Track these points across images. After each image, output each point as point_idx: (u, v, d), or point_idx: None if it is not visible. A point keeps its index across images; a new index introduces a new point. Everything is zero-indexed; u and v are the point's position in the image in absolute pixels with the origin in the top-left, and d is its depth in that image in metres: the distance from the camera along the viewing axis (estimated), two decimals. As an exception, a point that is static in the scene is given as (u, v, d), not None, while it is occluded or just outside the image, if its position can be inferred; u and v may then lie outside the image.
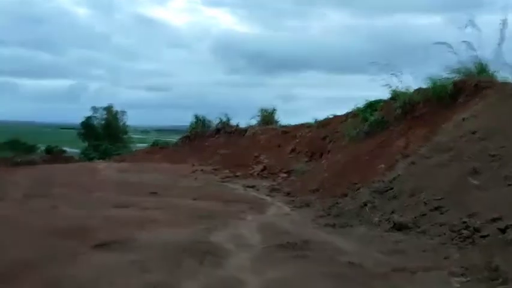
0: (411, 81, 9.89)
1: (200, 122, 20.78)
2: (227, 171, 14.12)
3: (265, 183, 11.22)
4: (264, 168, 13.00)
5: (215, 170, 14.70)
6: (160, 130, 77.13)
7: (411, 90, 9.90)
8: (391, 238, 5.54)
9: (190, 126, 21.12)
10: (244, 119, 20.31)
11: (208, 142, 19.24)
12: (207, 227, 6.08)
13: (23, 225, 5.88)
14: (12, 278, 3.76)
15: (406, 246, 5.23)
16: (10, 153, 25.21)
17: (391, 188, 6.89)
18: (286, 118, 20.46)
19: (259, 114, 19.81)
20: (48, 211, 7.04)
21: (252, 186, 10.70)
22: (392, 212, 6.25)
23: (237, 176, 12.78)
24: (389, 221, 6.03)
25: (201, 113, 21.50)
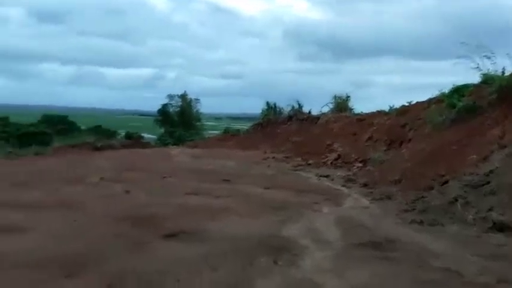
0: (508, 64, 8.74)
1: (272, 109, 20.43)
2: (299, 159, 13.64)
3: (340, 172, 10.58)
4: (338, 157, 12.34)
5: (287, 157, 14.27)
6: (232, 117, 77.99)
7: (507, 73, 8.78)
8: (491, 240, 4.80)
9: (262, 113, 20.84)
10: (316, 106, 19.69)
11: (280, 129, 18.84)
12: (281, 218, 5.65)
13: (94, 212, 5.80)
14: (78, 270, 3.57)
15: (510, 250, 4.48)
16: (93, 139, 26.55)
17: (488, 182, 6.04)
18: (359, 105, 19.58)
19: (332, 101, 19.08)
20: (121, 197, 6.97)
21: (326, 176, 10.13)
22: (490, 210, 5.44)
23: (309, 165, 12.25)
24: (487, 220, 5.25)
25: (273, 100, 21.16)
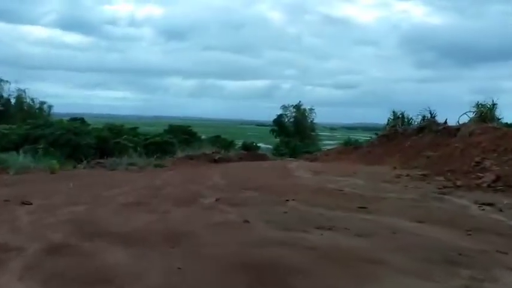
0: None
1: (399, 119, 17.97)
2: (441, 178, 11.19)
3: (507, 200, 8.07)
4: (497, 179, 9.71)
5: (424, 176, 11.87)
6: (347, 127, 75.10)
7: None
8: None
9: (387, 123, 18.49)
10: (440, 115, 16.95)
11: (409, 141, 16.31)
12: (465, 283, 3.69)
13: (203, 252, 4.38)
14: None
15: None
16: (212, 148, 26.40)
17: None
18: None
19: (473, 110, 16.12)
20: (237, 228, 5.52)
21: (490, 204, 7.71)
22: None
23: (458, 187, 9.80)
24: None
25: (392, 109, 18.70)
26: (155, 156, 20.13)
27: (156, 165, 13.26)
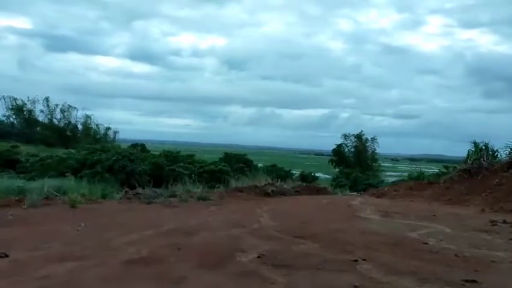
0: None
1: (483, 152, 15.14)
2: (555, 229, 8.54)
3: None
4: None
5: (528, 224, 9.23)
6: (410, 158, 70.56)
7: None
8: None
9: (468, 156, 15.66)
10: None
11: (498, 178, 13.48)
12: None
13: None
14: None
15: None
16: (268, 178, 24.54)
17: None
18: None
19: None
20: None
21: None
22: None
23: None
24: None
25: (473, 140, 15.82)
26: (199, 187, 18.60)
27: (199, 198, 11.51)
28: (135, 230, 6.76)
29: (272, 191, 13.65)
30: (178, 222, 7.94)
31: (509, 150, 15.00)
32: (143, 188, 16.79)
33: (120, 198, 11.12)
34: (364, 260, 5.38)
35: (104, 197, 12.42)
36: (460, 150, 17.93)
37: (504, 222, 9.42)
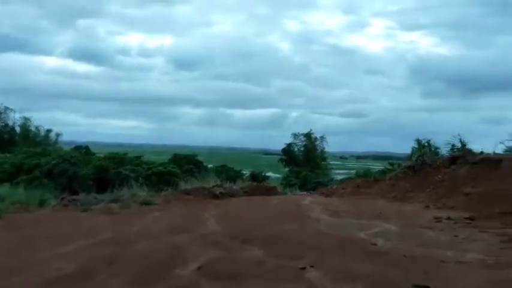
0: None
1: (426, 149, 15.50)
2: (496, 224, 8.70)
3: None
4: None
5: (470, 219, 9.38)
6: (357, 156, 72.45)
7: None
8: None
9: (412, 153, 16.02)
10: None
11: (440, 175, 13.79)
12: None
13: None
14: None
15: None
16: (217, 179, 24.05)
17: None
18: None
19: (514, 137, 13.67)
20: None
21: None
22: None
23: (529, 239, 7.29)
24: None
25: (417, 137, 16.23)
26: (146, 190, 17.87)
27: (143, 203, 10.87)
28: (66, 241, 6.11)
29: (220, 192, 13.19)
30: (116, 230, 7.34)
31: (450, 146, 15.45)
32: (87, 193, 15.82)
33: (55, 206, 10.27)
34: (312, 266, 5.09)
35: (41, 204, 11.53)
36: (405, 147, 18.39)
37: (448, 218, 9.53)
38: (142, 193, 13.92)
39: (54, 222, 7.98)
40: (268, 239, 6.72)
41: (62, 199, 10.83)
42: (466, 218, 9.53)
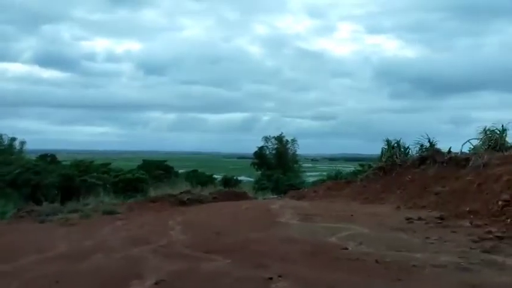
0: None
1: (396, 150, 15.43)
2: (466, 223, 8.59)
3: None
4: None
5: (441, 219, 9.25)
6: (329, 158, 72.89)
7: None
8: None
9: (382, 154, 15.93)
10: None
11: (410, 175, 13.72)
12: None
13: None
14: None
15: None
16: (188, 184, 23.47)
17: None
18: (458, 144, 14.29)
19: (480, 136, 13.73)
20: None
21: None
22: None
23: (500, 238, 7.15)
24: None
25: (386, 138, 16.13)
26: (113, 197, 17.25)
27: (105, 212, 10.29)
28: (12, 257, 5.55)
29: (188, 199, 12.73)
30: (71, 243, 6.79)
31: (419, 146, 15.43)
32: (51, 202, 15.02)
33: (10, 218, 9.58)
34: (280, 276, 4.73)
35: (3, 215, 10.87)
36: (374, 148, 18.37)
37: (419, 219, 9.37)
38: (110, 201, 13.34)
39: (6, 235, 7.34)
40: (234, 248, 6.33)
41: (19, 210, 10.13)
42: (436, 218, 9.39)
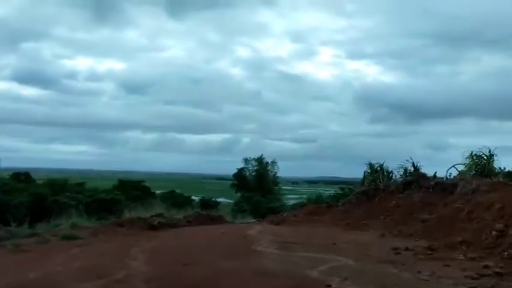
0: None
1: (379, 173, 14.77)
2: (459, 255, 7.82)
3: None
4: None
5: (431, 250, 8.46)
6: (309, 181, 72.23)
7: None
8: None
9: (364, 177, 15.25)
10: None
11: (394, 200, 13.00)
12: None
13: None
14: None
15: None
16: (164, 205, 22.30)
17: None
18: (438, 168, 13.95)
19: (466, 161, 13.21)
20: None
21: None
22: None
23: (499, 275, 6.37)
24: None
25: (368, 161, 15.49)
26: (87, 219, 16.14)
27: (64, 237, 9.20)
28: None
29: (159, 223, 11.70)
30: (13, 276, 5.75)
31: (403, 170, 14.83)
32: (20, 223, 13.83)
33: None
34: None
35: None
36: (354, 171, 17.83)
37: (407, 249, 8.58)
38: (81, 223, 12.22)
39: None
40: (200, 283, 5.39)
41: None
42: (425, 248, 8.61)
